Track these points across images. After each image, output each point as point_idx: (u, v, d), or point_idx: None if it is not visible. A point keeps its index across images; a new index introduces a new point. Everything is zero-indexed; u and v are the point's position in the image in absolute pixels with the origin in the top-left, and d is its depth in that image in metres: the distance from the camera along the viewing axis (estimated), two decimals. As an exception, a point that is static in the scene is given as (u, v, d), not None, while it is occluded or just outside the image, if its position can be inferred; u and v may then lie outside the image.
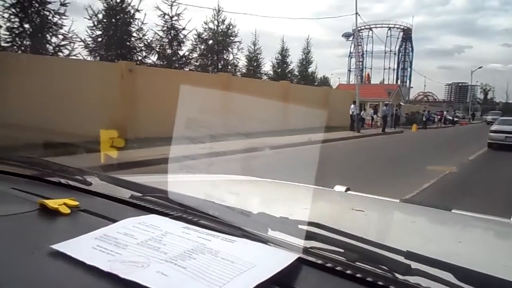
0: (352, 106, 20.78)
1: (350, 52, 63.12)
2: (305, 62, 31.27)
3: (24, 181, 1.13)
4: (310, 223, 0.73)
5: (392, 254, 0.63)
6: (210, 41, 21.69)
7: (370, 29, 62.89)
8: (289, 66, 29.22)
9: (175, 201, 0.89)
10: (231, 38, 22.39)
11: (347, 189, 1.59)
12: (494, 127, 16.23)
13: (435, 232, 1.20)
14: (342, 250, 0.66)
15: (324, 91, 23.81)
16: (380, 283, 0.60)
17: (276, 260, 0.64)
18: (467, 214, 1.34)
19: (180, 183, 1.18)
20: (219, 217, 0.80)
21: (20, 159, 1.23)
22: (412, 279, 0.60)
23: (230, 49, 22.40)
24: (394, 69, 64.57)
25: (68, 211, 0.85)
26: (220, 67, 21.63)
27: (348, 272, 0.63)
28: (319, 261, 0.66)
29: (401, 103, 33.88)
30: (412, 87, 66.92)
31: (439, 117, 38.40)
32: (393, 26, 64.93)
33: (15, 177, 1.16)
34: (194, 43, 20.74)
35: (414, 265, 0.61)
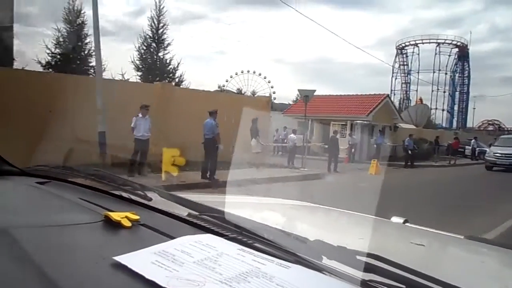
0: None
1: (393, 72, 54.38)
2: (156, 40, 21.07)
3: (91, 192, 1.20)
4: (369, 255, 0.70)
5: None
6: None
7: (416, 45, 54.07)
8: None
9: (231, 222, 0.90)
10: None
11: (405, 221, 1.52)
12: None
13: (508, 275, 1.10)
14: (403, 286, 0.63)
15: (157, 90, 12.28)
16: None
17: None
18: None
19: (237, 204, 1.19)
20: (274, 241, 0.79)
21: (88, 172, 1.31)
22: None
23: None
24: (445, 91, 54.33)
25: (129, 224, 0.88)
26: None
27: None
28: None
29: (397, 125, 23.71)
30: (461, 110, 55.88)
31: (451, 146, 23.53)
32: (443, 41, 53.36)
33: (83, 188, 1.24)
34: None
35: None
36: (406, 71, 55.27)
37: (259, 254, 0.74)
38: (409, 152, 18.92)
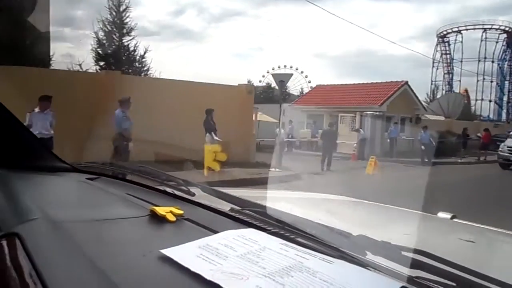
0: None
1: (434, 61, 49.26)
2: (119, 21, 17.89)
3: (137, 188, 1.24)
4: (416, 250, 0.68)
5: None
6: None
7: (459, 32, 48.97)
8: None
9: (273, 216, 0.90)
10: None
11: (453, 217, 1.46)
12: None
13: None
14: (453, 284, 0.61)
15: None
16: None
17: (377, 287, 0.61)
18: None
19: (278, 199, 1.19)
20: (317, 236, 0.79)
21: (134, 168, 1.36)
22: None
23: None
24: (492, 81, 48.12)
25: (174, 218, 0.91)
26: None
27: None
28: None
29: (420, 116, 21.11)
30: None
31: (481, 139, 19.74)
32: (489, 27, 47.92)
33: (130, 184, 1.29)
34: None
35: None
36: (448, 61, 50.60)
37: (301, 248, 0.74)
38: (422, 147, 15.68)
